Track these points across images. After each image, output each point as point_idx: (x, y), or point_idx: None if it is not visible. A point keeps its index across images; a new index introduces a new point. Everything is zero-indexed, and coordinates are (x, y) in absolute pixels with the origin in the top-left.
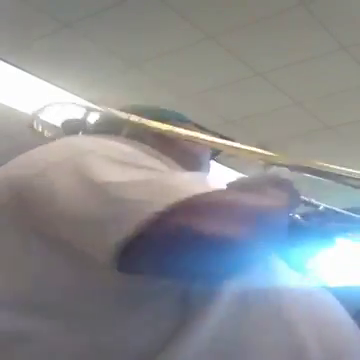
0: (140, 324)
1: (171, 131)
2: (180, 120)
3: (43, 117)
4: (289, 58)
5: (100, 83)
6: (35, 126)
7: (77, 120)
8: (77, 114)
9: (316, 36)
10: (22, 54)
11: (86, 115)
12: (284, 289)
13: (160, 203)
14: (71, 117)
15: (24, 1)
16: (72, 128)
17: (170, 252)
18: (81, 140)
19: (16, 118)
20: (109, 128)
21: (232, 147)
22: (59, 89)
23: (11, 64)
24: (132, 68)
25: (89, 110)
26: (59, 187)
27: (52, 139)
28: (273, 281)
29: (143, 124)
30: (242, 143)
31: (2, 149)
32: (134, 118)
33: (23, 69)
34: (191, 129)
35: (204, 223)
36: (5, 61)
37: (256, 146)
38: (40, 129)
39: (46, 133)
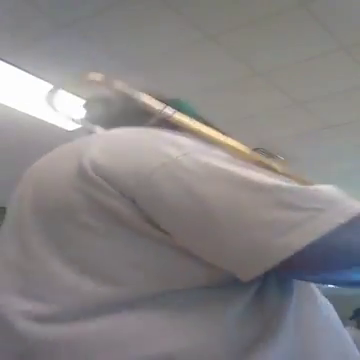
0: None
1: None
2: (193, 115)
3: (59, 95)
4: (289, 58)
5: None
6: (52, 104)
7: (103, 98)
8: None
9: (316, 36)
10: (22, 54)
11: (117, 99)
12: (324, 300)
13: (342, 214)
14: (95, 95)
15: (24, 1)
16: (97, 109)
17: (345, 259)
18: (169, 135)
19: (16, 118)
20: (136, 117)
21: (231, 147)
22: (59, 89)
23: (11, 64)
24: (132, 68)
25: (119, 94)
26: (202, 189)
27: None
28: (317, 293)
29: (178, 118)
30: (244, 142)
31: (2, 149)
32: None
33: (23, 69)
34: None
35: None
36: (5, 61)
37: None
38: (57, 107)
39: (61, 110)
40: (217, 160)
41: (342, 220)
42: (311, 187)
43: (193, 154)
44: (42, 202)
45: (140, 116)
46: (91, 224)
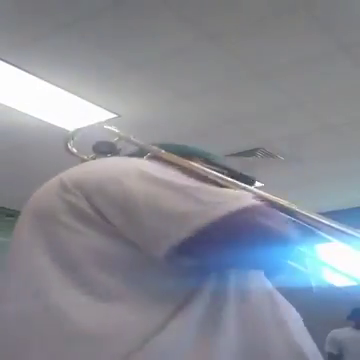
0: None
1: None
2: (198, 156)
3: (76, 138)
4: (289, 58)
5: (100, 83)
6: (69, 146)
7: (108, 143)
8: (105, 138)
9: (316, 36)
10: (22, 54)
11: (117, 141)
12: (274, 291)
13: (234, 205)
14: (102, 140)
15: (24, 1)
16: (103, 150)
17: (240, 240)
18: (130, 159)
19: (16, 118)
20: (133, 154)
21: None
22: (59, 89)
23: (11, 64)
24: (132, 68)
25: (121, 138)
26: (134, 188)
27: (83, 157)
28: (265, 282)
29: (163, 154)
30: (242, 143)
31: (2, 149)
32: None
33: (23, 69)
34: (197, 162)
35: (265, 221)
36: (5, 61)
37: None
38: (73, 149)
39: (77, 152)
40: (157, 172)
41: (234, 209)
42: (219, 189)
43: (141, 167)
44: (36, 211)
45: (136, 154)
46: (67, 222)
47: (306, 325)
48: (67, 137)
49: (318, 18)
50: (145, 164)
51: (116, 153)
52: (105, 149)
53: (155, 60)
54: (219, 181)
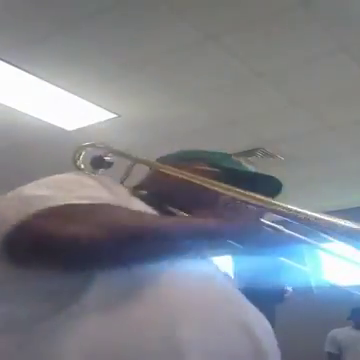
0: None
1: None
2: (184, 160)
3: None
4: (289, 58)
5: (100, 83)
6: (78, 163)
7: (99, 158)
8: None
9: (316, 36)
10: (22, 54)
11: (104, 156)
12: (170, 289)
13: (41, 206)
14: (95, 156)
15: (25, 1)
16: (96, 164)
17: (29, 247)
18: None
19: (16, 118)
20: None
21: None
22: (59, 89)
23: (11, 64)
24: (132, 68)
25: (109, 151)
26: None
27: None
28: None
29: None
30: (242, 143)
31: (2, 149)
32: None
33: (23, 69)
34: (200, 166)
35: (46, 225)
36: (5, 61)
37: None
38: (82, 166)
39: (82, 166)
40: (33, 186)
41: (23, 218)
42: (45, 195)
43: (35, 182)
44: None
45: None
46: None
47: (306, 325)
48: (74, 157)
49: (318, 18)
50: (54, 177)
51: (105, 167)
52: (97, 164)
53: (155, 60)
54: (208, 186)
